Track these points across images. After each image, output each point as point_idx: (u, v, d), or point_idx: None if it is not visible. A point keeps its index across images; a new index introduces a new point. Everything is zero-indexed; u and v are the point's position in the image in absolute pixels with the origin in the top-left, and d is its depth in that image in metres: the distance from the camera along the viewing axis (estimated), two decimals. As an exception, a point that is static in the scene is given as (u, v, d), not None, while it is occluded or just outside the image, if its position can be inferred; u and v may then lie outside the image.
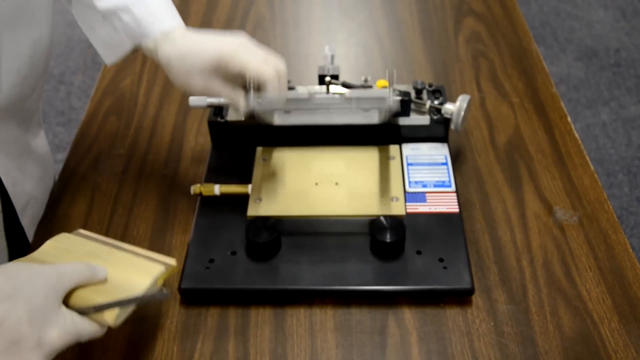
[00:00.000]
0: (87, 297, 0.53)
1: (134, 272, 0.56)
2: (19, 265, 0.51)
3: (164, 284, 0.58)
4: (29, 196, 0.72)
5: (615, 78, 2.03)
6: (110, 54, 0.70)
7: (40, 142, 0.77)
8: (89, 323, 0.51)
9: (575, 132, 0.82)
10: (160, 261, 0.58)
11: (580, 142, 0.81)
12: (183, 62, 0.63)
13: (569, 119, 0.84)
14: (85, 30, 0.71)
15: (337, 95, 0.69)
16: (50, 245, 0.59)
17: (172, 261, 0.59)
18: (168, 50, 0.64)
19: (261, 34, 1.04)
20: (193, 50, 0.63)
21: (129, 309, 0.55)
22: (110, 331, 0.59)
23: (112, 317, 0.52)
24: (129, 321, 0.60)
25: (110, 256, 0.58)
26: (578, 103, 1.94)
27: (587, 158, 0.78)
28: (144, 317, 0.63)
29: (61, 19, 2.34)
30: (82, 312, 0.52)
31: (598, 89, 1.99)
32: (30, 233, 0.73)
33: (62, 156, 1.77)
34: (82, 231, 0.65)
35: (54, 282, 0.50)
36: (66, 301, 0.52)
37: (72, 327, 0.50)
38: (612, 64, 2.08)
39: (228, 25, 1.06)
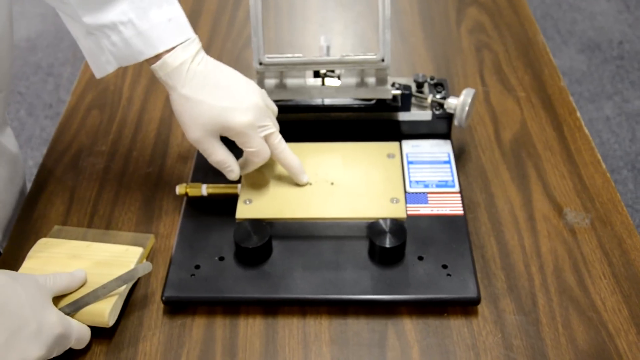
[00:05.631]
0: (72, 299, 0.56)
1: (113, 264, 0.59)
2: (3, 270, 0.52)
3: (148, 257, 0.64)
4: None
5: (618, 71, 1.99)
6: (96, 69, 0.63)
7: (8, 140, 0.71)
8: (77, 322, 0.54)
9: (585, 128, 0.78)
10: (139, 242, 0.63)
11: (590, 138, 0.76)
12: (191, 109, 0.60)
13: (578, 114, 0.80)
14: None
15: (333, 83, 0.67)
16: (31, 262, 0.60)
17: (150, 238, 0.64)
18: (179, 92, 0.59)
19: (254, 24, 0.99)
20: (204, 106, 0.59)
21: (119, 304, 0.58)
22: (88, 345, 0.56)
23: (108, 307, 0.56)
24: (107, 334, 0.57)
25: (90, 253, 0.61)
26: (581, 97, 1.90)
27: (599, 156, 0.74)
28: (124, 328, 0.58)
29: (49, 9, 2.28)
30: (72, 310, 0.55)
31: (601, 83, 1.95)
32: None
33: (49, 151, 1.72)
34: (59, 228, 0.66)
35: (41, 281, 0.53)
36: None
37: (66, 319, 0.53)
38: (616, 57, 2.05)
39: (218, 15, 1.01)
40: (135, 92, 0.86)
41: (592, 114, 1.84)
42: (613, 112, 1.84)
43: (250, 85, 0.62)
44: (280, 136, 0.64)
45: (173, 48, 0.59)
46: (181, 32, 0.59)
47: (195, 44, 0.60)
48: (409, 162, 0.71)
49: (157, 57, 0.59)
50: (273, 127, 0.62)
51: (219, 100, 0.59)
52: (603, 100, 1.89)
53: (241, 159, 0.65)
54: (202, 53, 0.61)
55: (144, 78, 0.89)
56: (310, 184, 0.67)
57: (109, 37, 0.59)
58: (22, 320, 0.48)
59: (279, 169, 0.68)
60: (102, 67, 0.61)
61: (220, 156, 0.62)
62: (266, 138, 0.62)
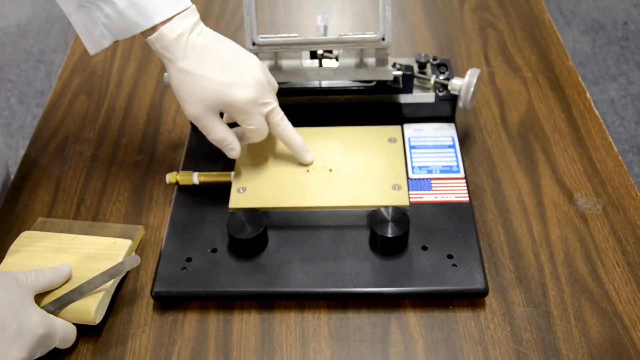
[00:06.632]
0: (55, 295, 0.53)
1: (100, 257, 0.57)
2: None
3: (137, 250, 0.61)
4: None
5: (623, 52, 1.95)
6: (90, 44, 0.59)
7: None
8: (62, 321, 0.52)
9: (595, 109, 0.75)
10: (127, 234, 0.60)
11: (601, 120, 0.73)
12: (190, 84, 0.56)
13: (587, 94, 0.77)
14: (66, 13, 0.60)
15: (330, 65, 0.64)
16: (14, 257, 0.58)
17: (139, 229, 0.62)
18: (178, 66, 0.56)
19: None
20: (204, 80, 0.56)
21: (107, 300, 0.55)
22: (74, 343, 0.53)
23: (95, 304, 0.53)
24: (94, 332, 0.54)
25: (76, 246, 0.58)
26: (584, 79, 1.87)
27: (610, 138, 0.71)
28: (112, 325, 0.56)
29: (41, -6, 2.24)
30: (56, 308, 0.52)
31: (605, 64, 1.91)
32: None
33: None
34: (43, 220, 0.63)
35: (21, 279, 0.51)
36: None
37: (49, 318, 0.50)
38: (620, 38, 2.01)
39: (211, -5, 0.97)
40: (125, 77, 0.83)
41: (596, 96, 1.81)
42: (618, 94, 1.81)
43: (252, 59, 0.59)
44: (282, 113, 0.61)
45: (170, 19, 0.55)
46: (178, 1, 0.55)
47: (194, 13, 0.57)
48: (412, 147, 0.67)
49: (154, 28, 0.55)
50: (275, 104, 0.60)
51: (220, 75, 0.56)
52: (607, 82, 1.85)
53: (235, 130, 0.62)
54: (201, 24, 0.58)
55: (134, 62, 0.85)
56: (308, 170, 0.64)
57: (102, 9, 0.55)
58: (1, 322, 0.45)
59: (274, 155, 0.65)
60: (97, 42, 0.57)
61: (221, 133, 0.59)
62: (267, 115, 0.59)
